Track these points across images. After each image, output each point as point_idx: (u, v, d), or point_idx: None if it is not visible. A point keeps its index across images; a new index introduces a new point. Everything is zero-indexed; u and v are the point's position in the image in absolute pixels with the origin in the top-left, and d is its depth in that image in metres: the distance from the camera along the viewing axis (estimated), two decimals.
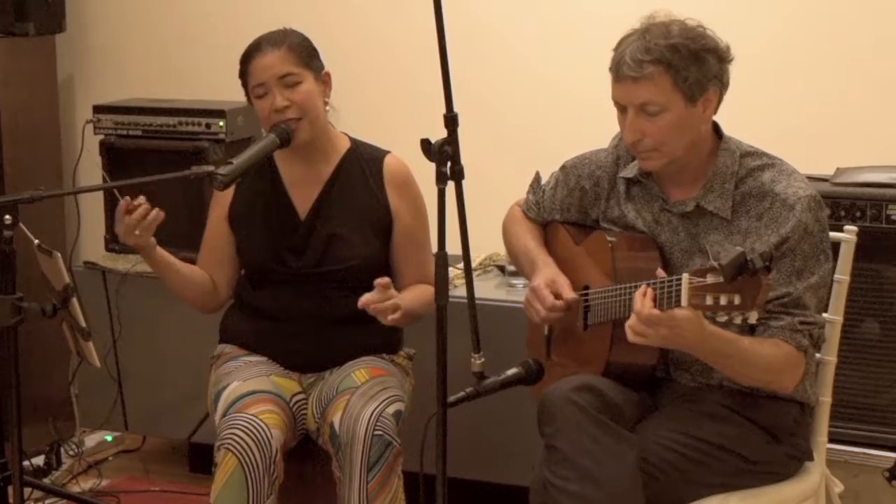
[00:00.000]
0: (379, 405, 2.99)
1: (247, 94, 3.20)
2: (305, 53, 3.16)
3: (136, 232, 3.01)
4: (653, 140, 2.71)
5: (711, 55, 2.69)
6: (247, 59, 3.16)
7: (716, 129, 2.82)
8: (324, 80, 3.20)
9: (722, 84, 2.72)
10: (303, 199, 3.24)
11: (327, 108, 3.23)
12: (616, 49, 2.73)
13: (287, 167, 3.26)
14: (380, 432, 2.95)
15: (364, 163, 3.26)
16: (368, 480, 2.94)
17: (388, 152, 3.29)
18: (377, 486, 2.95)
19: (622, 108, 2.74)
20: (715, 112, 2.76)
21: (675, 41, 2.66)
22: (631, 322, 2.52)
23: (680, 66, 2.65)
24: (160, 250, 3.13)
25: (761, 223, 2.72)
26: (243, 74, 3.17)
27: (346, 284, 3.20)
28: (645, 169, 2.82)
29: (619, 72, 2.69)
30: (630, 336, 2.53)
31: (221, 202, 3.27)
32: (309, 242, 3.21)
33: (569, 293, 2.88)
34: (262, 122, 3.18)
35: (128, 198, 3.02)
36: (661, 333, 2.49)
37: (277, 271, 3.21)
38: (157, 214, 3.02)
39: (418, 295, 3.19)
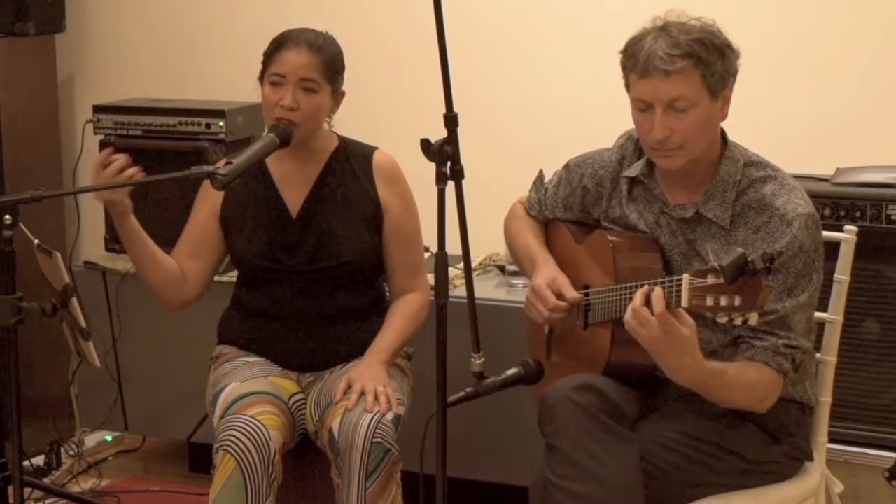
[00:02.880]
0: (378, 411, 2.99)
1: (262, 74, 3.17)
2: (333, 68, 3.15)
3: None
4: (680, 137, 2.69)
5: (731, 51, 2.70)
6: (280, 45, 3.13)
7: (721, 134, 2.81)
8: (337, 98, 3.20)
9: (735, 82, 2.73)
10: (294, 197, 3.24)
11: (329, 122, 3.24)
12: (631, 47, 2.71)
13: (277, 166, 3.25)
14: (378, 439, 2.94)
15: (353, 159, 3.26)
16: (367, 487, 2.93)
17: (376, 148, 3.30)
18: (375, 493, 2.94)
19: (645, 107, 2.70)
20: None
21: (700, 36, 2.66)
22: (628, 318, 2.51)
23: (709, 61, 2.65)
24: (134, 220, 3.09)
25: (758, 236, 2.71)
26: (268, 56, 3.15)
27: (341, 280, 3.20)
28: (665, 168, 2.78)
29: (647, 67, 2.65)
30: (629, 317, 2.51)
31: (212, 198, 3.25)
32: (301, 240, 3.21)
33: (570, 292, 2.88)
34: (265, 108, 3.16)
35: (110, 149, 2.99)
36: (654, 334, 2.48)
37: (271, 270, 3.21)
38: (134, 171, 2.97)
39: (400, 324, 3.21)
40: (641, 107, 2.71)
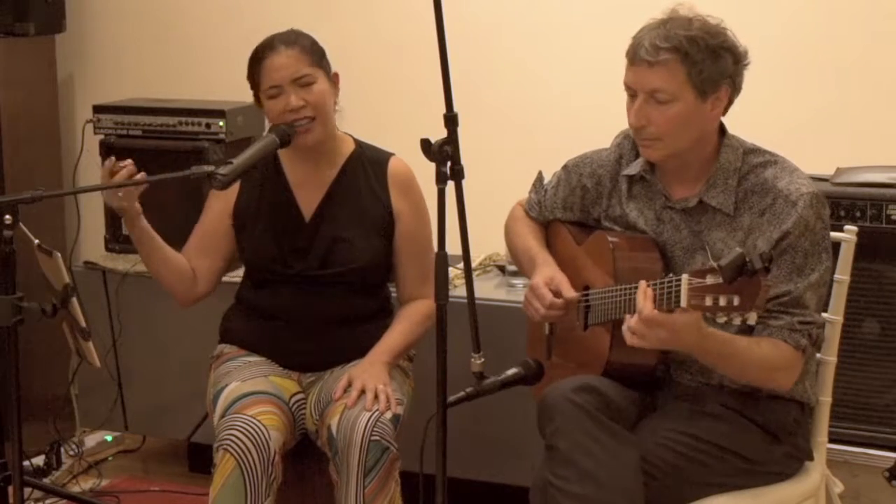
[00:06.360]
0: (377, 409, 2.99)
1: (255, 93, 3.19)
2: (317, 54, 3.15)
3: (119, 194, 3.00)
4: (657, 129, 2.72)
5: (728, 54, 2.71)
6: (259, 59, 3.14)
7: (720, 127, 2.82)
8: (333, 80, 3.20)
9: (734, 85, 2.74)
10: (308, 201, 3.24)
11: (336, 108, 3.23)
12: (635, 35, 2.74)
13: (292, 169, 3.25)
14: (377, 437, 2.94)
15: (368, 165, 3.25)
16: (365, 485, 2.94)
17: (392, 154, 3.28)
18: (374, 491, 2.95)
19: (633, 94, 2.74)
20: (724, 113, 2.77)
21: (695, 34, 2.68)
22: (631, 323, 2.51)
23: (696, 59, 2.67)
24: (145, 222, 3.12)
25: (763, 219, 2.72)
26: (253, 75, 3.15)
27: (349, 286, 3.20)
28: (646, 158, 2.82)
29: (635, 55, 2.70)
30: (628, 338, 2.53)
31: (225, 197, 3.26)
32: (313, 244, 3.21)
33: (568, 291, 2.88)
34: (273, 121, 3.16)
35: (112, 158, 3.01)
36: (660, 336, 2.49)
37: (280, 272, 3.21)
38: (141, 177, 2.99)
39: (406, 328, 3.22)
40: (629, 92, 2.76)
